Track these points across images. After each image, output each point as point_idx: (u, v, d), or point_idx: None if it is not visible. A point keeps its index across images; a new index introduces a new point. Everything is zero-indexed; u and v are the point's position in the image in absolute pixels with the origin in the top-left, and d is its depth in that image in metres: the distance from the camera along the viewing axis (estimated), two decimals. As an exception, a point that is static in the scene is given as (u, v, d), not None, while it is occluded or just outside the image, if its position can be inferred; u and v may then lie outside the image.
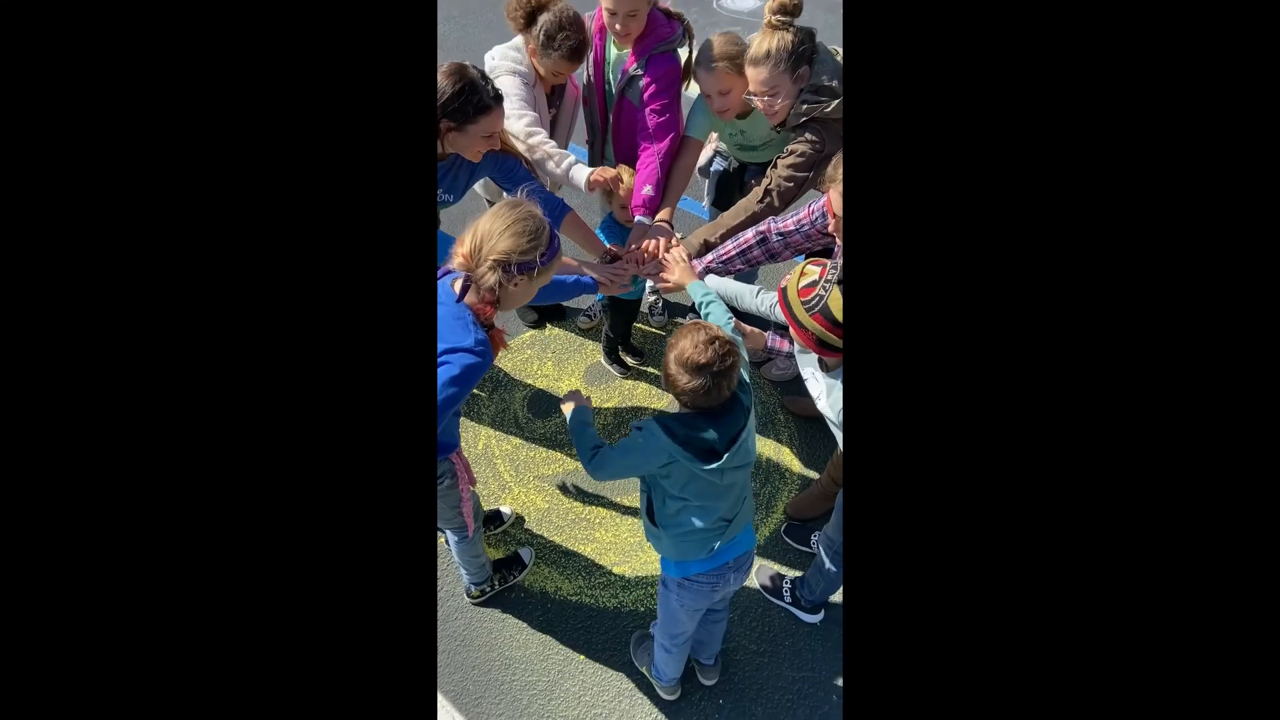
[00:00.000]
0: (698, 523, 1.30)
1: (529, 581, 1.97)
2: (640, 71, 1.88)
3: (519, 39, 1.89)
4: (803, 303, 1.27)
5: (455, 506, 1.56)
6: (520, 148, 1.85)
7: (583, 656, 1.83)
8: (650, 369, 2.49)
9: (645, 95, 1.89)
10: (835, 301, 1.23)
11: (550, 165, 1.85)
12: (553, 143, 1.86)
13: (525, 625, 1.89)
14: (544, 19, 1.79)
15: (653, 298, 2.63)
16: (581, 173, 1.84)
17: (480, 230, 1.23)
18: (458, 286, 1.25)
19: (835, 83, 1.66)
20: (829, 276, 1.25)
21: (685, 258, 1.79)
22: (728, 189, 2.26)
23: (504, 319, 2.65)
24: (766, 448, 2.28)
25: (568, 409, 1.45)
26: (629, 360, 2.47)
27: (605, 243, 1.97)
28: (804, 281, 1.29)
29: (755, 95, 1.72)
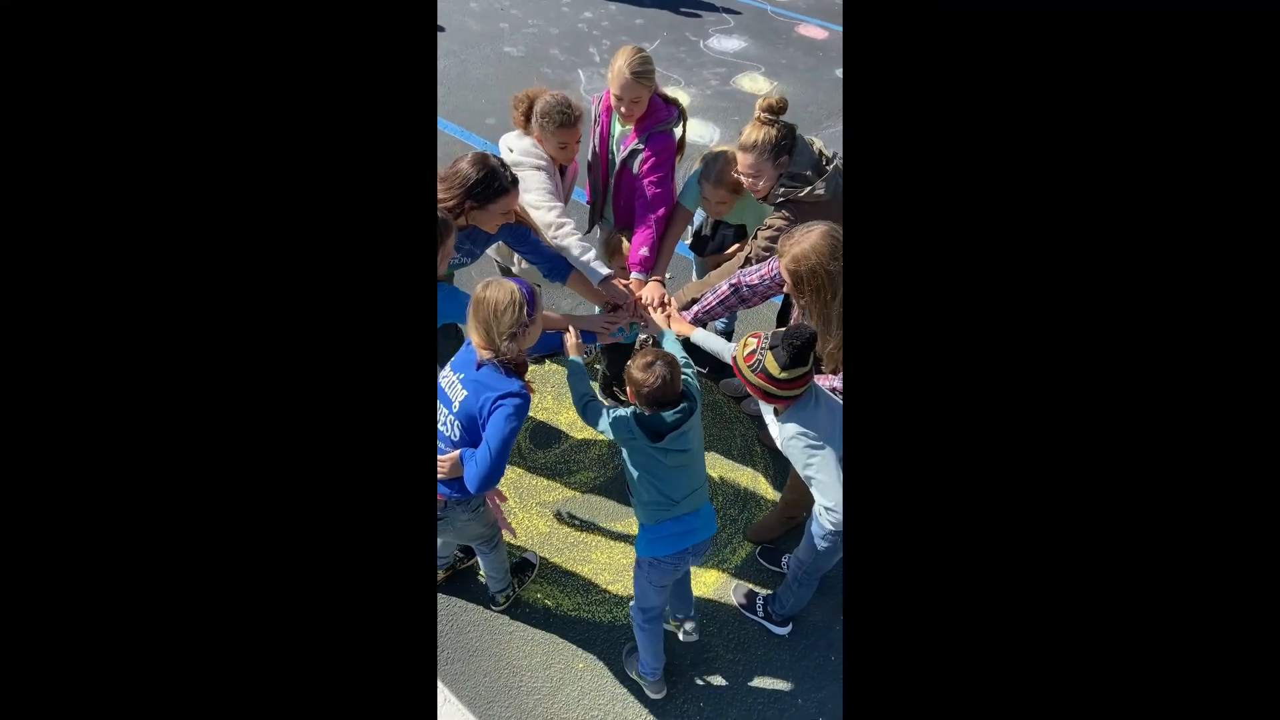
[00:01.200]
0: (651, 494, 1.72)
1: (533, 598, 2.21)
2: (641, 146, 2.14)
3: (529, 140, 2.12)
4: (748, 366, 1.61)
5: (483, 527, 1.83)
6: (547, 235, 2.10)
7: (581, 665, 2.08)
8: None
9: (644, 167, 2.15)
10: (770, 362, 1.56)
11: (575, 254, 2.10)
12: (578, 235, 2.10)
13: (530, 637, 2.13)
14: (538, 107, 2.06)
15: (644, 336, 2.90)
16: (599, 271, 2.09)
17: (483, 321, 1.54)
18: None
19: (809, 172, 1.95)
20: (763, 345, 1.58)
21: (674, 312, 2.10)
22: (701, 236, 2.58)
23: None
24: (743, 476, 2.55)
25: (570, 345, 1.88)
26: (623, 397, 2.73)
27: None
28: (745, 351, 1.63)
29: (742, 175, 2.00)
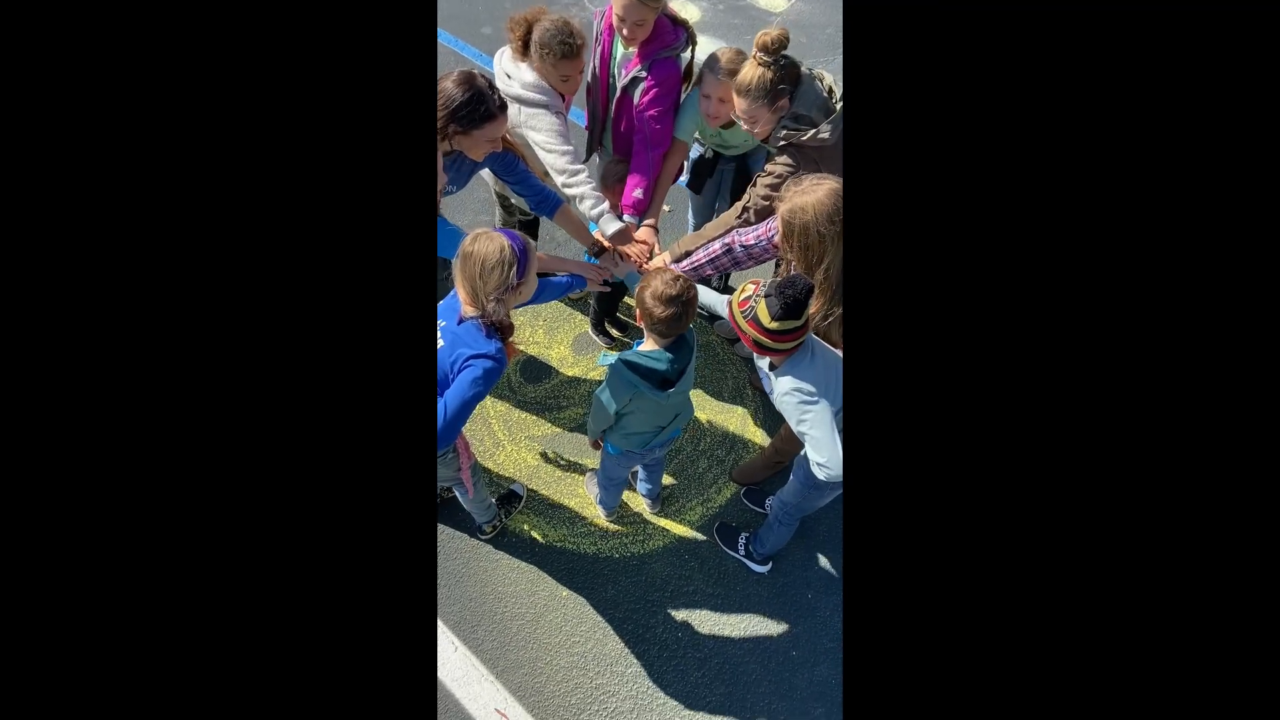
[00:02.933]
0: (639, 427, 1.79)
1: (519, 528, 2.25)
2: (644, 74, 1.99)
3: (532, 74, 1.93)
4: (741, 312, 1.54)
5: (456, 472, 1.81)
6: (557, 181, 1.97)
7: (565, 593, 2.14)
8: (633, 340, 2.71)
9: (645, 99, 2.01)
10: (762, 311, 1.49)
11: (585, 206, 1.98)
12: (593, 184, 1.97)
13: (515, 566, 2.18)
14: (536, 34, 1.87)
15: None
16: (610, 225, 1.99)
17: (469, 278, 1.45)
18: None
19: (814, 113, 1.81)
20: (759, 292, 1.51)
21: (664, 265, 2.02)
22: (701, 174, 2.43)
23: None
24: (733, 420, 2.56)
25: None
26: (614, 332, 2.69)
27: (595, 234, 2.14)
28: (741, 296, 1.56)
29: (738, 119, 1.88)
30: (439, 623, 2.06)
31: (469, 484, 1.87)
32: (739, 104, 1.82)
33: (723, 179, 2.41)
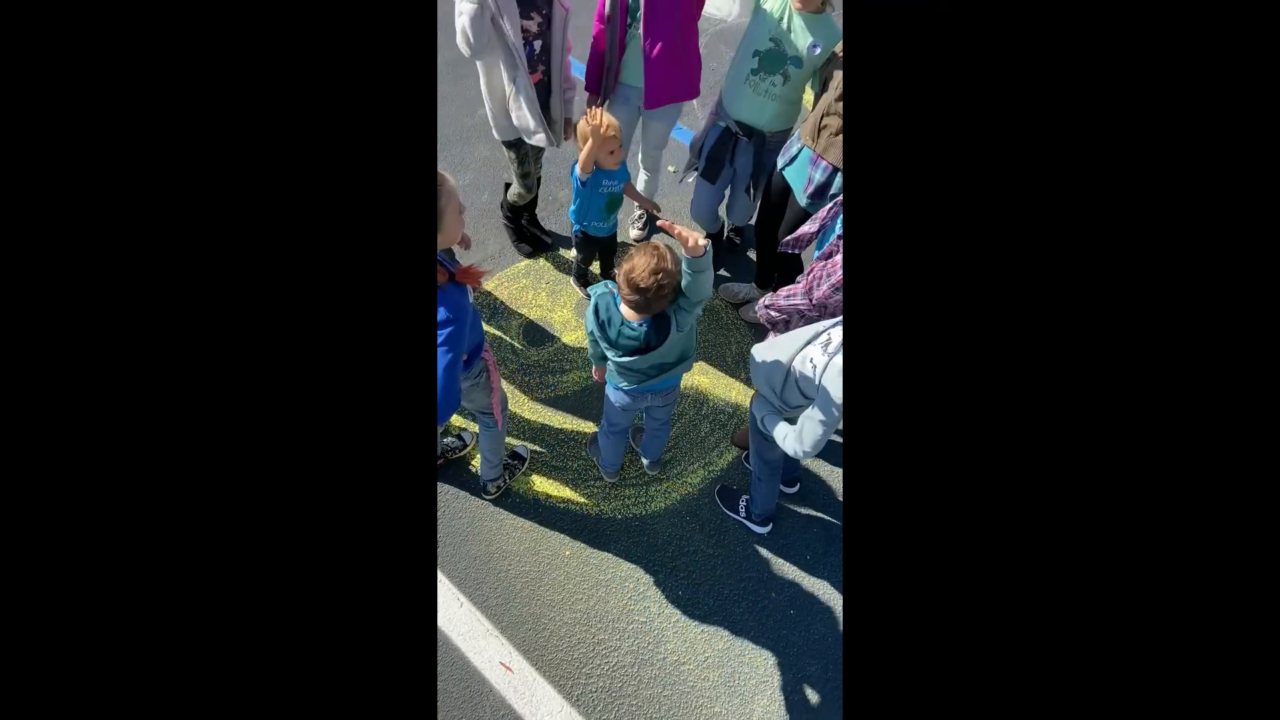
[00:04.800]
0: (620, 379, 1.87)
1: (523, 489, 2.28)
2: None
3: None
4: None
5: (488, 396, 1.82)
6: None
7: (568, 553, 2.18)
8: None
9: None
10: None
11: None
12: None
13: (519, 525, 2.22)
14: None
15: (635, 235, 2.82)
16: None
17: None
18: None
19: None
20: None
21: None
22: (718, 160, 2.36)
23: (498, 249, 2.80)
24: (735, 383, 2.56)
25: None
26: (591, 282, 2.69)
27: (576, 183, 2.16)
28: None
29: None
30: (445, 579, 2.10)
31: (499, 416, 1.88)
32: None
33: (737, 176, 2.37)
